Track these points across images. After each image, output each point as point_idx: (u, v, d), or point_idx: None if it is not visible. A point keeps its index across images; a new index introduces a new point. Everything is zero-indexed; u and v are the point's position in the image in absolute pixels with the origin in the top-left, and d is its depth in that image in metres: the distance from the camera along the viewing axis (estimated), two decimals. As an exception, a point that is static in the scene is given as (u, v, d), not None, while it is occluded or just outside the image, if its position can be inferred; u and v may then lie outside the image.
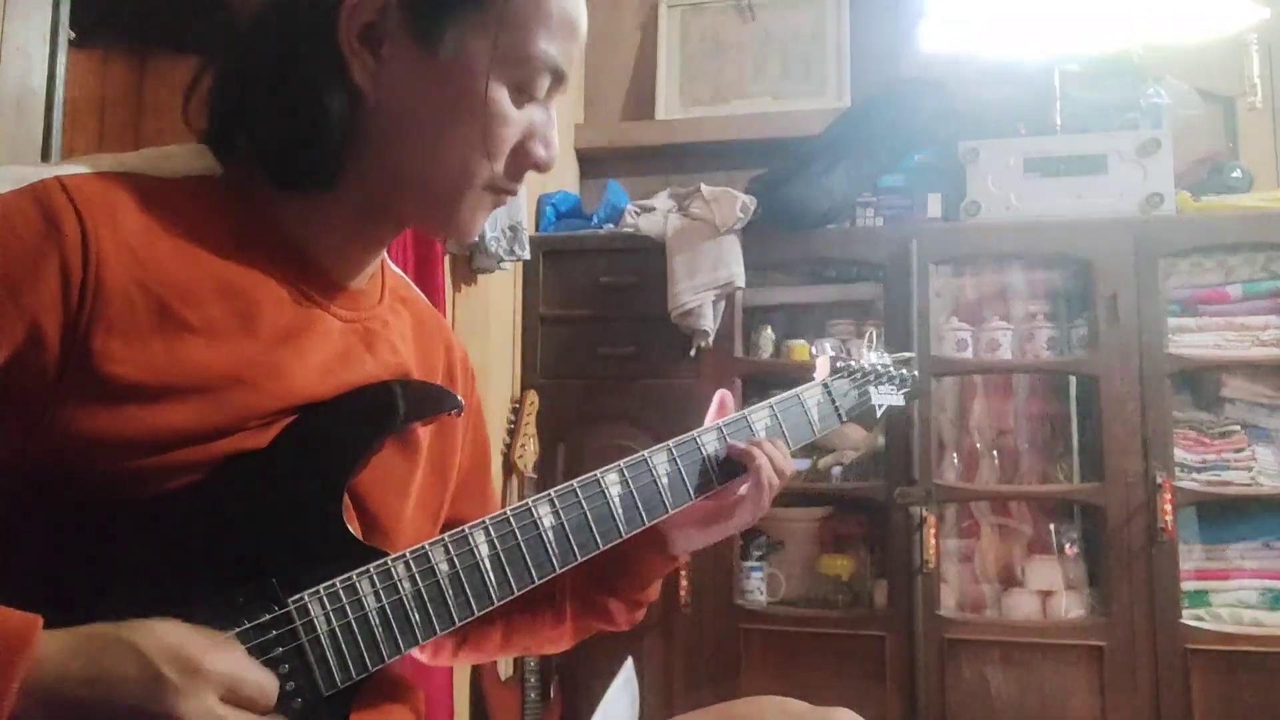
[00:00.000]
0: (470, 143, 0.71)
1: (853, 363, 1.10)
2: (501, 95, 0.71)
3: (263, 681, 0.60)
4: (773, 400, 1.00)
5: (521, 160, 0.75)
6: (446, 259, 2.02)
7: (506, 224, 2.14)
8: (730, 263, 2.25)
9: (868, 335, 1.18)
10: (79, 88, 2.33)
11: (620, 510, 0.84)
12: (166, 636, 0.57)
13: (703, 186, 2.38)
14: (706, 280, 2.25)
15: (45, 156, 1.22)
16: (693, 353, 2.28)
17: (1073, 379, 2.27)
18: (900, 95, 2.34)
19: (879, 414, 1.12)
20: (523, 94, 0.73)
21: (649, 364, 2.33)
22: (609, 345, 2.35)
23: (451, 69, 0.69)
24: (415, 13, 0.69)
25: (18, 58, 1.19)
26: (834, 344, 1.14)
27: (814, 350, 1.12)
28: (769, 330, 2.39)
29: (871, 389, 1.11)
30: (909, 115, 2.31)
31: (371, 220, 0.76)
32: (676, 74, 2.83)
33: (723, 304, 2.28)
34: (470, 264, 2.16)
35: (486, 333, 2.21)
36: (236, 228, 0.70)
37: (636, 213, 2.44)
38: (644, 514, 0.86)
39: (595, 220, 2.50)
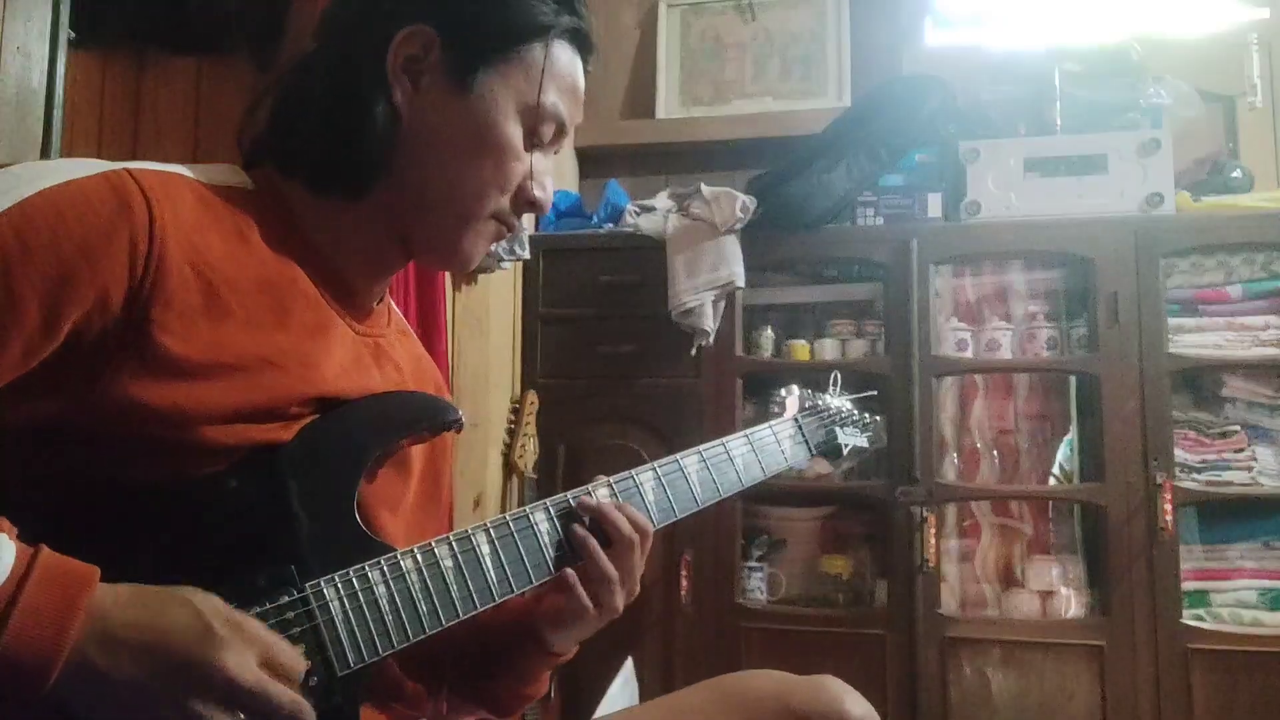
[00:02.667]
0: (485, 174, 0.81)
1: (819, 402, 1.19)
2: (517, 135, 0.81)
3: (295, 655, 0.65)
4: (748, 431, 1.07)
5: (521, 198, 0.84)
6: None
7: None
8: (730, 262, 2.25)
9: (832, 377, 1.27)
10: (79, 88, 2.33)
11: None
12: (216, 601, 0.63)
13: (703, 186, 2.38)
14: (706, 280, 2.25)
15: (45, 156, 1.22)
16: (693, 352, 2.28)
17: (1073, 379, 2.27)
18: (901, 93, 2.34)
19: (845, 453, 1.20)
20: (532, 138, 0.83)
21: (649, 364, 2.32)
22: (609, 345, 2.35)
23: (478, 107, 0.80)
24: (454, 54, 0.79)
25: (18, 58, 1.19)
26: (800, 391, 1.22)
27: (783, 391, 1.20)
28: (769, 330, 2.39)
29: (838, 429, 1.19)
30: (909, 114, 2.30)
31: (388, 238, 0.84)
32: (676, 74, 2.83)
33: (723, 303, 2.28)
34: (470, 264, 2.16)
35: (486, 333, 2.21)
36: (270, 234, 0.77)
37: (636, 212, 2.43)
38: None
39: (595, 220, 2.50)
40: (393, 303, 0.94)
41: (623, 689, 1.94)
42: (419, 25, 0.79)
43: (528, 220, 2.37)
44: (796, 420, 1.14)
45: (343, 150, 0.78)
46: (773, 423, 1.11)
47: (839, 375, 1.27)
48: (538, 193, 0.84)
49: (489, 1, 0.80)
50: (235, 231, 0.74)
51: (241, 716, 0.61)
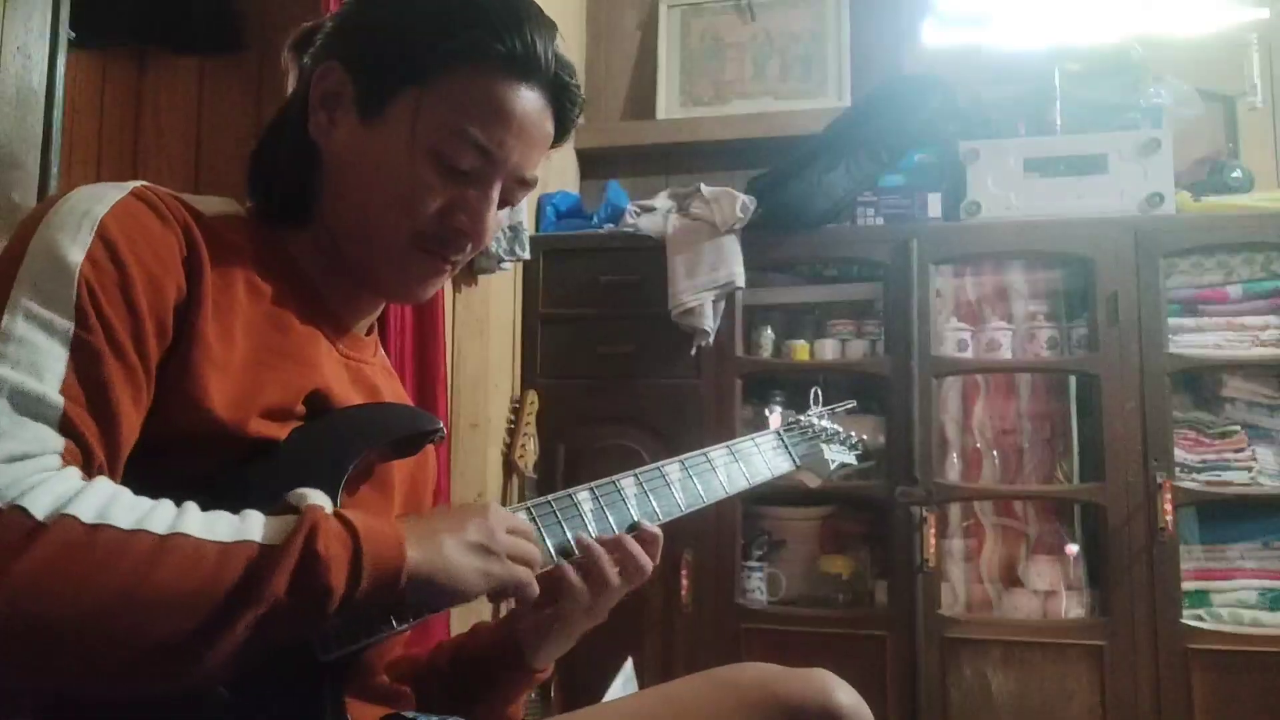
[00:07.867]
0: (389, 200, 0.82)
1: (801, 419, 1.25)
2: (423, 164, 0.81)
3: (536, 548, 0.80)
4: (730, 443, 1.11)
5: (447, 226, 0.83)
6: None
7: (507, 224, 2.14)
8: (730, 262, 2.25)
9: (812, 394, 1.34)
10: (79, 88, 2.33)
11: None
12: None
13: (703, 186, 2.38)
14: (706, 280, 2.25)
15: (45, 156, 1.22)
16: (693, 352, 2.28)
17: (1073, 379, 2.27)
18: (901, 93, 2.34)
19: (833, 468, 1.26)
20: (444, 164, 0.81)
21: (649, 364, 2.33)
22: (609, 345, 2.35)
23: (381, 136, 0.82)
24: (361, 88, 0.83)
25: (18, 58, 1.19)
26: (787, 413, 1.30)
27: (767, 411, 1.26)
28: (769, 330, 2.39)
29: (824, 445, 1.25)
30: (910, 114, 2.30)
31: (343, 262, 0.87)
32: (676, 74, 2.83)
33: (723, 304, 2.28)
34: (471, 265, 2.16)
35: (486, 333, 2.21)
36: (259, 255, 0.82)
37: (636, 213, 2.43)
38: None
39: (595, 220, 2.50)
40: (380, 343, 0.98)
41: (623, 689, 1.94)
42: (330, 62, 0.84)
43: (528, 220, 2.37)
44: (779, 434, 1.20)
45: (268, 181, 0.87)
46: (755, 434, 1.16)
47: (819, 391, 1.33)
48: (463, 221, 0.83)
49: (394, 37, 0.82)
50: (225, 250, 0.79)
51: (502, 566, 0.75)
